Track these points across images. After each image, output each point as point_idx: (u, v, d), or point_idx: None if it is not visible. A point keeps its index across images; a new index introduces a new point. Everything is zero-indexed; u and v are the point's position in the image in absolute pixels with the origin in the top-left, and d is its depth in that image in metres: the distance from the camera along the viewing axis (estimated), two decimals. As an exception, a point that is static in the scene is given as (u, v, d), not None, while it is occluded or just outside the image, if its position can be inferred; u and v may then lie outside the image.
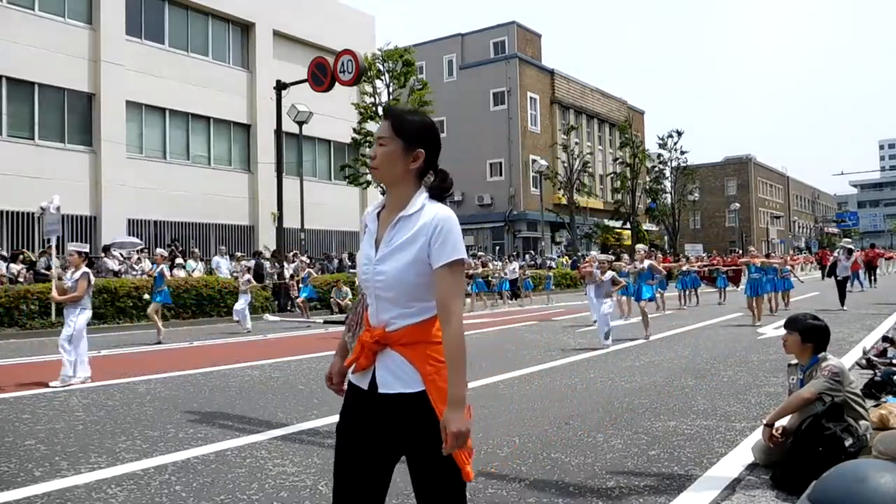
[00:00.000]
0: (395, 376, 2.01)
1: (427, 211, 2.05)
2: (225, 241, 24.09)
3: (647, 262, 12.81)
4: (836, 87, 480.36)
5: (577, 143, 42.10)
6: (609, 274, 11.46)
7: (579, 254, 35.39)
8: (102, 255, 18.40)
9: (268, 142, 24.94)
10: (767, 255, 23.41)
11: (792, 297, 18.96)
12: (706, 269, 24.59)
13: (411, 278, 2.00)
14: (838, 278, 17.71)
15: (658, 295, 17.62)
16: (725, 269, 23.24)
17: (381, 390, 2.03)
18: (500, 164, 40.54)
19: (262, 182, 25.33)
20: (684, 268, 21.52)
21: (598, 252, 20.12)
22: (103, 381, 8.01)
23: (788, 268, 18.46)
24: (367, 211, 2.21)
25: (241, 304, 14.66)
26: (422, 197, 2.09)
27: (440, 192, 2.13)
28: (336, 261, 25.23)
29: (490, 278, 24.91)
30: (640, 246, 13.63)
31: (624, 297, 15.10)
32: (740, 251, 38.92)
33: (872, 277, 27.80)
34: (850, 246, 19.05)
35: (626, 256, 13.26)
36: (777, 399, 5.98)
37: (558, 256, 38.00)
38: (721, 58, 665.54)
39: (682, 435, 5.14)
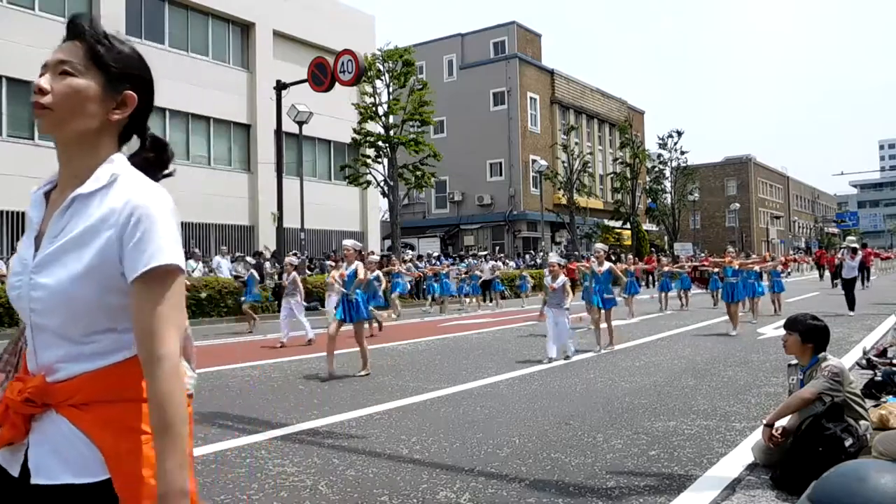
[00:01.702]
0: (61, 458, 1.25)
1: (119, 189, 1.28)
2: (225, 241, 24.08)
3: (606, 265, 11.32)
4: (836, 87, 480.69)
5: (577, 144, 42.08)
6: (561, 280, 9.67)
7: (576, 253, 35.36)
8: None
9: (268, 142, 24.91)
10: (748, 255, 21.84)
11: (789, 299, 18.83)
12: (694, 269, 24.11)
13: (87, 296, 1.24)
14: (845, 279, 16.44)
15: (624, 300, 16.06)
16: (715, 269, 22.70)
17: (34, 479, 1.26)
18: (500, 164, 40.52)
19: (262, 182, 25.30)
20: (665, 269, 21.01)
21: (555, 254, 19.14)
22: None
23: (779, 269, 17.57)
24: (32, 190, 1.40)
25: None
26: (115, 165, 1.32)
27: (155, 166, 1.41)
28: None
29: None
30: (599, 246, 11.96)
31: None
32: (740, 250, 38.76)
33: (865, 278, 27.82)
34: (854, 245, 17.69)
35: (593, 260, 11.48)
36: (777, 399, 5.98)
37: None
38: (721, 58, 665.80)
39: (682, 435, 5.14)
